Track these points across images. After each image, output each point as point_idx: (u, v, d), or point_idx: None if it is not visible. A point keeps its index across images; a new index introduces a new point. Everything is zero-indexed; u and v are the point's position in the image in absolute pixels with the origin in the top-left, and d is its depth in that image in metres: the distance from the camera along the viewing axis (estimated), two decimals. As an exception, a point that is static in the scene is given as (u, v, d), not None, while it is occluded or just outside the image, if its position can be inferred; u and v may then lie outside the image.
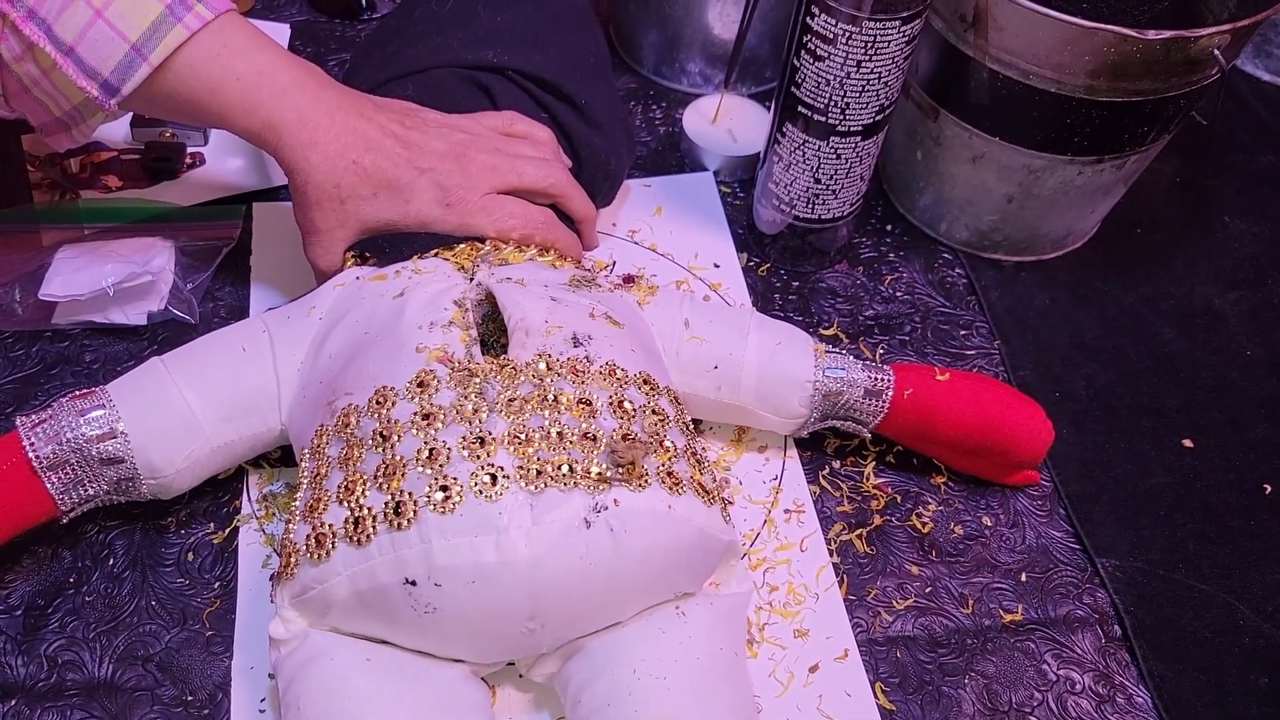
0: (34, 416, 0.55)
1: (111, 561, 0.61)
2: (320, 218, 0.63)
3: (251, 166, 0.81)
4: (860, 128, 0.69)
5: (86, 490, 0.56)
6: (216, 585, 0.60)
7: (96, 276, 0.69)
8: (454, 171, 0.64)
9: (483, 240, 0.64)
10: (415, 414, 0.52)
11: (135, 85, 0.57)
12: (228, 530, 0.62)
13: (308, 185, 0.62)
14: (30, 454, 0.54)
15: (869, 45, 0.65)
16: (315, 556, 0.50)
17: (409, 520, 0.49)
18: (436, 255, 0.63)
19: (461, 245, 0.64)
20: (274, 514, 0.63)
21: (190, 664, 0.57)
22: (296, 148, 0.61)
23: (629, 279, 0.65)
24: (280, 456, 0.64)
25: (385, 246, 0.64)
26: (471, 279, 0.60)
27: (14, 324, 0.70)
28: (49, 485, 0.55)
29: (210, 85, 0.59)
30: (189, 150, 0.81)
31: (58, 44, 0.56)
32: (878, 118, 0.69)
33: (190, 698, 0.56)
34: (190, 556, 0.61)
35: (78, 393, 0.57)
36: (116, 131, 0.81)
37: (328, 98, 0.62)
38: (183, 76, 0.58)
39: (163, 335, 0.71)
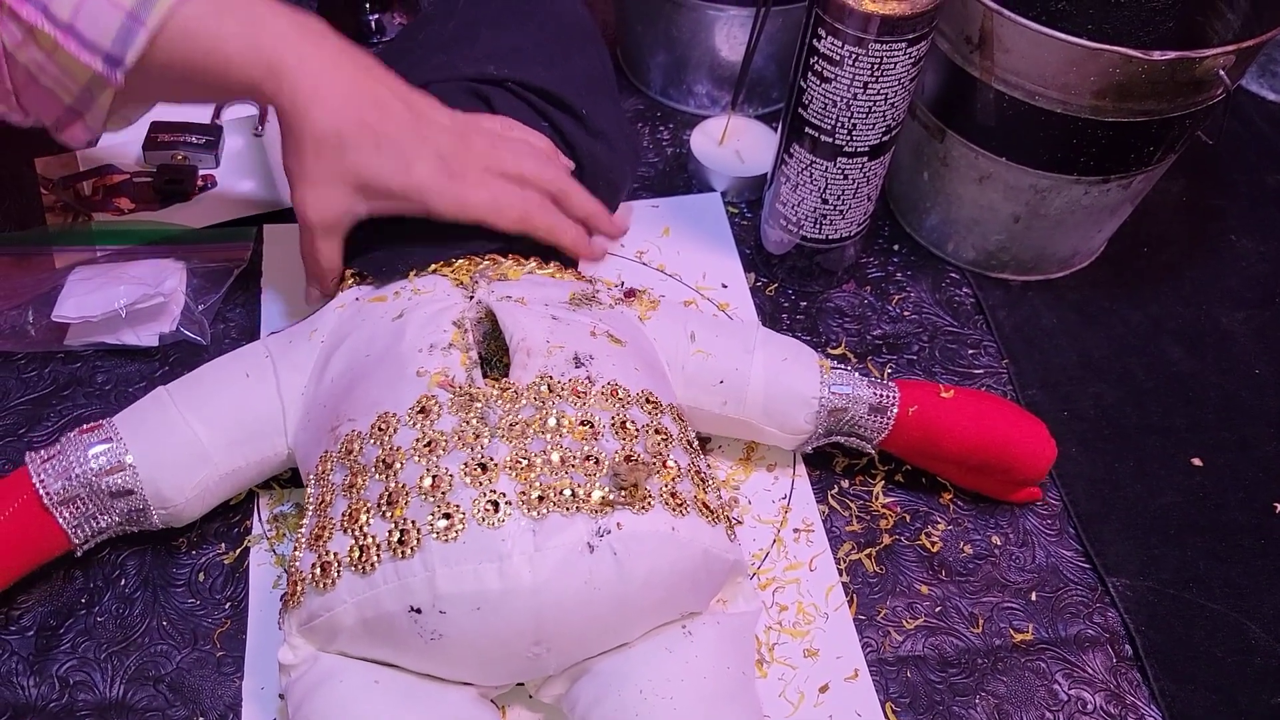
0: (43, 452, 0.56)
1: (123, 582, 0.61)
2: (316, 167, 0.61)
3: (262, 188, 0.81)
4: (867, 148, 0.70)
5: (99, 523, 0.57)
6: (227, 606, 0.60)
7: (109, 298, 0.69)
8: (456, 146, 0.63)
9: (480, 255, 0.64)
10: (417, 441, 0.52)
11: (137, 53, 0.56)
12: (238, 551, 0.62)
13: (305, 129, 0.60)
14: (40, 490, 0.55)
15: (875, 67, 0.65)
16: (321, 585, 0.50)
17: (412, 548, 0.49)
18: (434, 272, 0.63)
19: (460, 260, 0.64)
20: (284, 534, 0.63)
21: (201, 685, 0.57)
22: (301, 91, 0.59)
23: (630, 293, 0.65)
24: (290, 477, 0.65)
25: (381, 265, 0.64)
26: (471, 296, 0.60)
27: (27, 345, 0.70)
28: (61, 520, 0.55)
29: (208, 45, 0.58)
30: (200, 173, 0.81)
31: (55, 22, 0.55)
32: (884, 138, 0.70)
33: (201, 718, 0.56)
34: (201, 577, 0.62)
35: (85, 427, 0.57)
36: (129, 154, 0.82)
37: (329, 46, 0.61)
38: (179, 41, 0.57)
39: (174, 356, 0.71)
